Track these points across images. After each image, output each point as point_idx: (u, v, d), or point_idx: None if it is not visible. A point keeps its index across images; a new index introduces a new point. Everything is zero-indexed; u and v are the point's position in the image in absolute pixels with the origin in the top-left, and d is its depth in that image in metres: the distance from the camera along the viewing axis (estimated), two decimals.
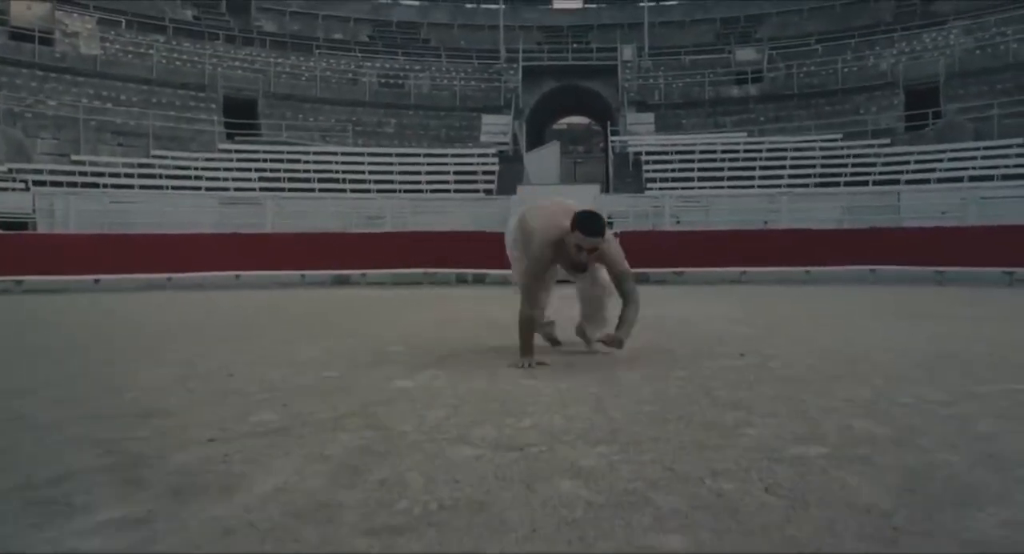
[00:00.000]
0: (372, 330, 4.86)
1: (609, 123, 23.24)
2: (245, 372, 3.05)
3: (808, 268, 12.18)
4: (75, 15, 21.71)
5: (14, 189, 15.33)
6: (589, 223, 3.04)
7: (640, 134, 21.74)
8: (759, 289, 10.19)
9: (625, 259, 3.36)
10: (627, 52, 25.19)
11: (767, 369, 3.00)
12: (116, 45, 21.87)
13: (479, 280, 12.68)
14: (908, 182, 15.85)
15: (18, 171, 16.28)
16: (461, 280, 12.94)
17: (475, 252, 11.81)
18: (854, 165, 17.66)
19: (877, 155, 17.94)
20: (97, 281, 12.02)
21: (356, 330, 4.88)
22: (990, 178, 14.82)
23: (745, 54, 23.86)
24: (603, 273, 3.47)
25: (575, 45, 27.64)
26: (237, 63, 23.28)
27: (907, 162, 17.13)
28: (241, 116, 21.83)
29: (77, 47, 20.92)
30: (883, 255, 11.86)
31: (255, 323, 5.70)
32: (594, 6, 31.36)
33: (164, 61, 22.05)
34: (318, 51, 25.30)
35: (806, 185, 16.91)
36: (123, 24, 23.40)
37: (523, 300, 3.25)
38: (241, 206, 15.31)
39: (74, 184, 16.15)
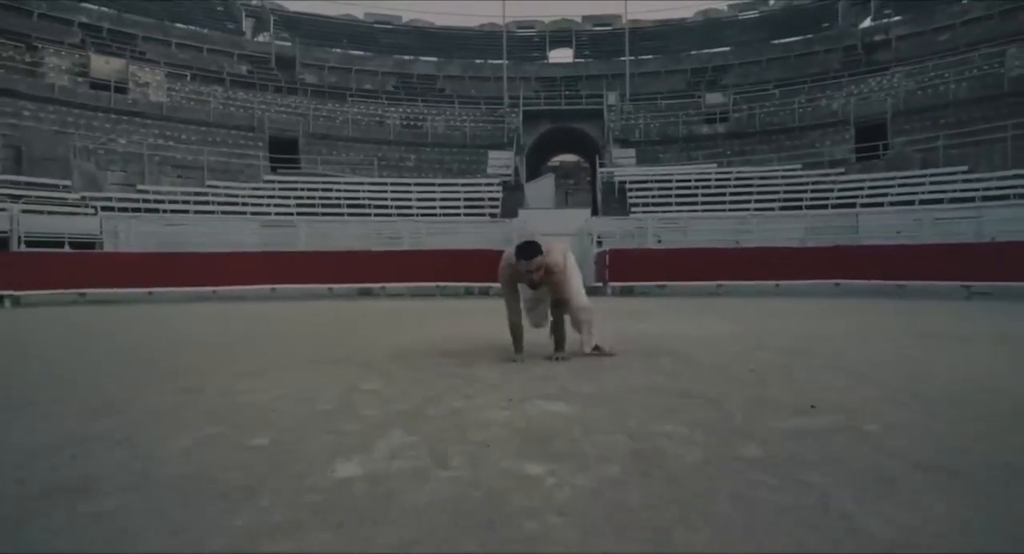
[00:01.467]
0: (363, 351, 3.63)
1: (597, 157, 22.26)
2: (152, 431, 1.83)
3: (778, 282, 11.09)
4: (147, 68, 20.82)
5: (85, 214, 14.43)
6: (520, 250, 3.11)
7: (624, 166, 20.67)
8: (737, 302, 8.92)
9: (577, 292, 3.32)
10: (611, 98, 24.32)
11: (870, 438, 1.67)
12: (180, 94, 20.99)
13: (484, 292, 11.67)
14: (863, 206, 14.59)
15: (90, 199, 15.40)
16: (469, 292, 11.93)
17: (481, 268, 10.86)
18: (813, 191, 16.43)
19: (834, 182, 16.70)
20: (150, 293, 11.08)
21: (345, 354, 3.64)
22: (939, 201, 13.56)
23: (713, 98, 22.82)
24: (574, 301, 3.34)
25: (567, 93, 26.74)
26: (283, 109, 22.40)
27: (861, 188, 15.89)
28: (284, 152, 20.90)
29: (147, 95, 20.00)
30: (846, 270, 10.76)
31: (254, 340, 4.48)
32: (583, 60, 30.69)
33: (221, 107, 21.15)
34: (351, 99, 24.45)
35: (771, 209, 15.68)
36: (188, 77, 22.55)
37: (507, 312, 3.36)
38: (278, 228, 14.35)
39: (138, 210, 15.31)
